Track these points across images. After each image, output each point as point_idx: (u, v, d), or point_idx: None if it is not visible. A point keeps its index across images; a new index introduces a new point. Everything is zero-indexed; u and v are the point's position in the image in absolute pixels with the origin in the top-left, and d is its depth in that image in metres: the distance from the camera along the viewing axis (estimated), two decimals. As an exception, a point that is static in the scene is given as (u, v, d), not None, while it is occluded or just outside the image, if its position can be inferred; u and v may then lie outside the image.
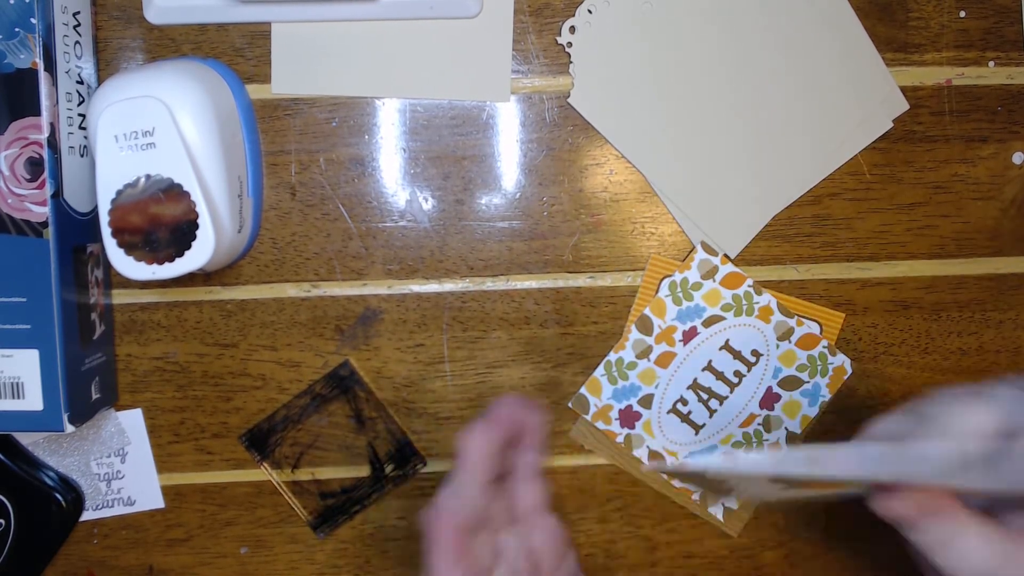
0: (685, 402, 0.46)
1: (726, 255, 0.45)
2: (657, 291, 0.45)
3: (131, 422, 0.45)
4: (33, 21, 0.37)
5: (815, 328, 0.46)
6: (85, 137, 0.41)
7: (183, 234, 0.37)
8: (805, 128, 0.44)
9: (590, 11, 0.43)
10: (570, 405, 0.46)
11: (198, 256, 0.37)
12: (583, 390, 0.46)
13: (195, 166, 0.37)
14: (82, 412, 0.41)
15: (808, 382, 0.46)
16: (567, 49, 0.43)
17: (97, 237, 0.42)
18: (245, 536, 0.46)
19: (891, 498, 0.35)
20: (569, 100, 0.44)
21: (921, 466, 0.32)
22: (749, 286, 0.45)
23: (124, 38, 0.43)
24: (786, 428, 0.46)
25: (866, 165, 0.45)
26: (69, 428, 0.39)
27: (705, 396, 0.46)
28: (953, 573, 0.34)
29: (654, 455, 0.46)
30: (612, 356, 0.45)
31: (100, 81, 0.43)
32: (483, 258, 0.45)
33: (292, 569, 0.47)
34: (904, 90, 0.45)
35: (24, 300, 0.38)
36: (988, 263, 0.46)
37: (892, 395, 0.47)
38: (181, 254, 0.37)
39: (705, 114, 0.44)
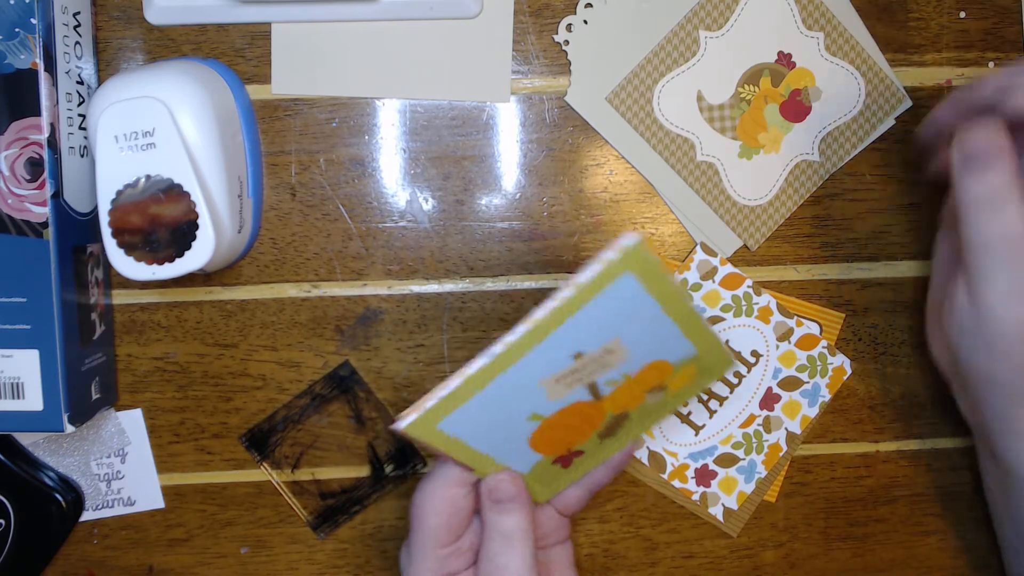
0: (685, 402, 0.46)
1: (725, 256, 0.45)
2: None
3: (131, 422, 0.45)
4: (33, 21, 0.37)
5: (815, 328, 0.46)
6: (85, 137, 0.41)
7: (183, 234, 0.37)
8: (805, 128, 0.45)
9: (588, 6, 0.43)
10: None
11: (198, 256, 0.37)
12: (583, 390, 0.46)
13: (195, 166, 0.37)
14: (82, 412, 0.41)
15: (808, 382, 0.46)
16: (564, 47, 0.43)
17: (97, 237, 0.42)
18: (245, 536, 0.46)
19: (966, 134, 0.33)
20: (566, 99, 0.44)
21: None
22: (748, 287, 0.45)
23: (124, 38, 0.43)
24: (786, 428, 0.46)
25: (866, 165, 0.45)
26: (69, 428, 0.39)
27: (705, 396, 0.46)
28: (980, 238, 0.32)
29: (653, 456, 0.46)
30: (612, 356, 0.45)
31: (100, 81, 0.43)
32: (483, 258, 0.45)
33: (292, 569, 0.47)
34: (904, 91, 0.45)
35: (24, 300, 0.38)
36: (988, 263, 0.46)
37: (892, 395, 0.47)
38: (181, 254, 0.37)
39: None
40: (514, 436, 0.36)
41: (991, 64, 0.45)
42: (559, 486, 0.41)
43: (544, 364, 0.34)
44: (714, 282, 0.45)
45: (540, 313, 0.33)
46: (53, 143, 0.38)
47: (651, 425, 0.41)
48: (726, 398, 0.46)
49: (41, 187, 0.38)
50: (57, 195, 0.39)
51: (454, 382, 0.33)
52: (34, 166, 0.38)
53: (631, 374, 0.36)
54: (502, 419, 0.35)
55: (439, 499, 0.36)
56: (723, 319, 0.45)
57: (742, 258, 0.45)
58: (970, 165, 0.33)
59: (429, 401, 0.33)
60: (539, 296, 0.45)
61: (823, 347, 0.46)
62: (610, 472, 0.41)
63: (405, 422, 0.33)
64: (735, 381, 0.46)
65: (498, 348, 0.33)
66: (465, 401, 0.34)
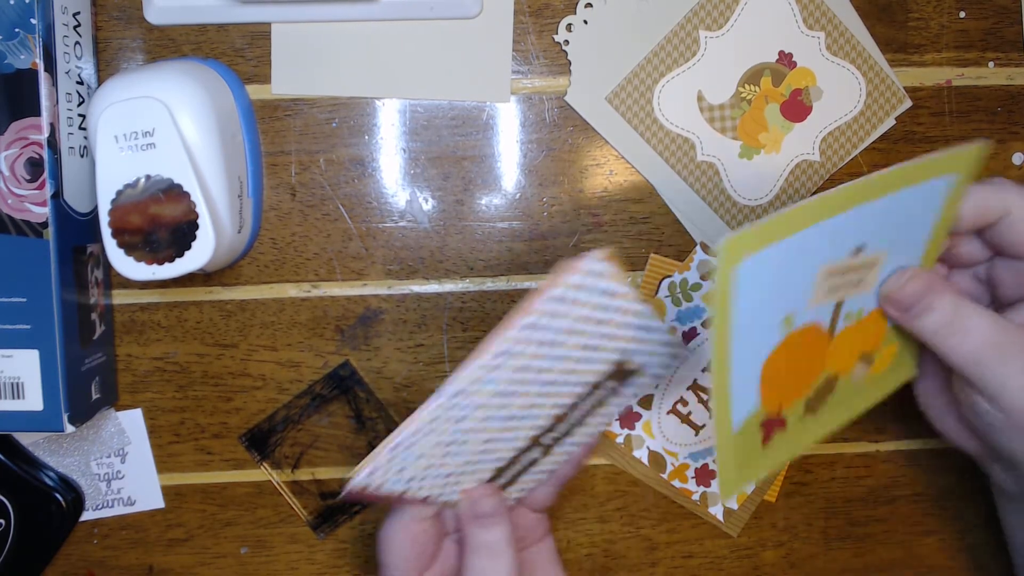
0: (685, 403, 0.46)
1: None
2: (656, 292, 0.45)
3: (131, 422, 0.45)
4: (33, 21, 0.37)
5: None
6: (85, 137, 0.41)
7: (183, 234, 0.37)
8: (805, 128, 0.45)
9: (588, 6, 0.43)
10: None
11: (198, 256, 0.37)
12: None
13: (195, 166, 0.37)
14: (82, 412, 0.41)
15: (808, 382, 0.46)
16: (564, 47, 0.43)
17: (97, 237, 0.42)
18: (245, 536, 0.46)
19: (898, 280, 0.35)
20: (566, 99, 0.44)
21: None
22: (749, 286, 0.45)
23: (124, 38, 0.43)
24: (786, 428, 0.46)
25: (866, 165, 0.45)
26: (69, 428, 0.39)
27: (705, 397, 0.46)
28: (952, 355, 0.34)
29: (653, 456, 0.46)
30: (612, 356, 0.45)
31: (100, 81, 0.43)
32: (483, 258, 0.45)
33: (292, 569, 0.47)
34: (904, 91, 0.45)
35: (24, 300, 0.38)
36: (988, 263, 0.46)
37: (892, 395, 0.47)
38: (181, 254, 0.37)
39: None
40: (766, 338, 0.34)
41: (991, 64, 0.45)
42: (753, 473, 0.38)
43: (831, 243, 0.33)
44: (714, 282, 0.45)
45: (859, 181, 0.32)
46: (53, 143, 0.38)
47: (840, 422, 0.40)
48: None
49: (41, 187, 0.38)
50: (57, 195, 0.39)
51: (784, 210, 0.31)
52: (34, 166, 0.38)
53: (864, 312, 0.35)
54: (778, 298, 0.34)
55: (403, 538, 0.37)
56: (723, 319, 0.45)
57: (742, 258, 0.45)
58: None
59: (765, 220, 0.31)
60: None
61: (823, 347, 0.46)
62: (574, 466, 0.40)
63: (733, 233, 0.30)
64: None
65: (815, 199, 0.31)
66: (775, 241, 0.32)
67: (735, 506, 0.47)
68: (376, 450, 0.33)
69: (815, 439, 0.39)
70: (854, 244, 0.34)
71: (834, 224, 0.32)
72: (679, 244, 0.45)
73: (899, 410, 0.47)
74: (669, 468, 0.46)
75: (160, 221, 0.37)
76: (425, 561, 0.37)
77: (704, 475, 0.46)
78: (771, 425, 0.37)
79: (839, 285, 0.35)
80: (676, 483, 0.46)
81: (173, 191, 0.36)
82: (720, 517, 0.47)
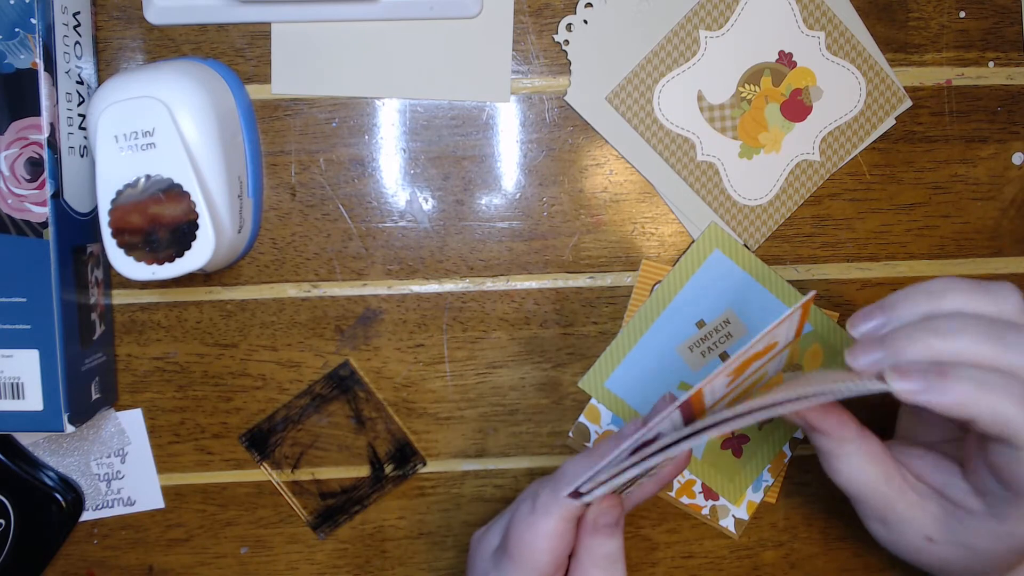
0: None
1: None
2: (650, 296, 0.45)
3: (131, 422, 0.45)
4: (33, 21, 0.37)
5: (808, 328, 0.46)
6: (85, 137, 0.41)
7: (183, 234, 0.37)
8: (805, 128, 0.45)
9: (588, 6, 0.43)
10: (571, 435, 0.46)
11: (198, 256, 0.37)
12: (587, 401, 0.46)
13: (195, 166, 0.37)
14: (82, 412, 0.41)
15: (808, 382, 0.46)
16: (564, 47, 0.43)
17: (97, 237, 0.42)
18: (245, 536, 0.46)
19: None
20: (566, 98, 0.44)
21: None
22: (749, 286, 0.45)
23: (124, 38, 0.43)
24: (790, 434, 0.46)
25: (866, 165, 0.45)
26: (69, 428, 0.39)
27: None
28: (835, 480, 0.37)
29: None
30: (612, 356, 0.46)
31: (100, 81, 0.43)
32: (483, 258, 0.45)
33: (292, 569, 0.47)
34: (904, 90, 0.45)
35: (24, 300, 0.38)
36: (988, 263, 0.46)
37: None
38: (181, 254, 0.37)
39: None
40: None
41: (991, 64, 0.45)
42: (743, 483, 0.44)
43: (673, 332, 0.41)
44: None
45: (656, 288, 0.38)
46: (53, 143, 0.38)
47: None
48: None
49: (41, 187, 0.38)
50: (57, 195, 0.39)
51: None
52: (34, 166, 0.38)
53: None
54: (658, 387, 0.40)
55: (551, 534, 0.34)
56: (723, 319, 0.45)
57: (742, 258, 0.45)
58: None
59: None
60: (539, 296, 0.45)
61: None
62: (656, 486, 0.39)
63: (586, 376, 0.40)
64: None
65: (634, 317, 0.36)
66: (621, 360, 0.39)
67: (746, 516, 0.46)
68: (592, 470, 0.32)
69: (787, 437, 0.45)
70: (692, 322, 0.42)
71: (658, 324, 0.43)
72: (679, 244, 0.45)
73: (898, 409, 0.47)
74: (676, 485, 0.46)
75: (160, 221, 0.37)
76: (562, 563, 0.35)
77: (711, 490, 0.46)
78: (733, 442, 0.40)
79: (708, 346, 0.43)
80: (684, 500, 0.46)
81: (173, 191, 0.36)
82: (732, 528, 0.47)
